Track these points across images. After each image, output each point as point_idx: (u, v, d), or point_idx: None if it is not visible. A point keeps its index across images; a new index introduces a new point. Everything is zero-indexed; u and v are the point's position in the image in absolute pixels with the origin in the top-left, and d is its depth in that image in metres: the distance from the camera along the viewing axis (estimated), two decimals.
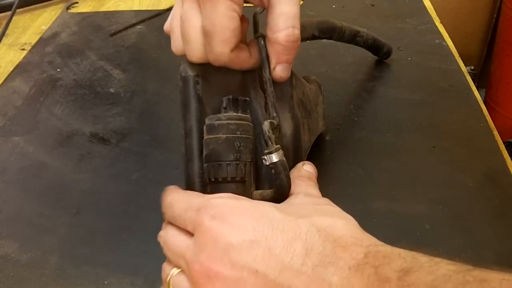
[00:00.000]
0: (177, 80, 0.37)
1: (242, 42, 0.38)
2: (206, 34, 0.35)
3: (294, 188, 0.37)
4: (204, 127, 0.37)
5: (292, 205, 0.35)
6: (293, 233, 0.30)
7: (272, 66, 0.38)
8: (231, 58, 0.36)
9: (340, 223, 0.31)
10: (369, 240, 0.30)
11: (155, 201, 0.47)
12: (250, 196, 0.37)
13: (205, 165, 0.36)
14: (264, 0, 0.37)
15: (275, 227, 0.30)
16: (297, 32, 0.36)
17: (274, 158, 0.35)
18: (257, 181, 0.38)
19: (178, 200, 0.35)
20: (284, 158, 0.35)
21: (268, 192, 0.37)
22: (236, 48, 0.36)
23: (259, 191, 0.37)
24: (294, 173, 0.39)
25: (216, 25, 0.34)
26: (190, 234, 0.33)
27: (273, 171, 0.35)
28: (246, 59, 0.38)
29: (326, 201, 0.36)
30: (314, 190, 0.37)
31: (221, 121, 0.36)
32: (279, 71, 0.38)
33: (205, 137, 0.37)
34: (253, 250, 0.29)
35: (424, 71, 0.64)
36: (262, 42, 0.38)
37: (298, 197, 0.36)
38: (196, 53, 0.36)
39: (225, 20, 0.34)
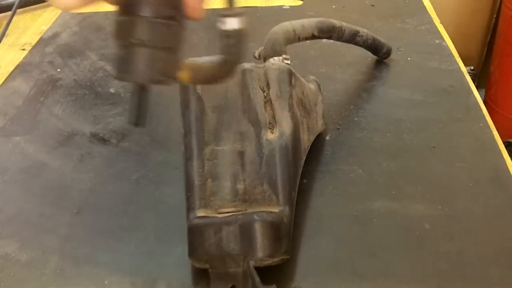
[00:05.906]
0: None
1: None
2: None
3: None
4: None
5: None
6: None
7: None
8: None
9: None
10: None
11: (155, 201, 0.48)
12: (178, 65, 0.29)
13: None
14: None
15: None
16: None
17: (235, 24, 0.27)
18: (255, 180, 0.38)
19: None
20: (245, 29, 0.28)
21: (208, 63, 0.29)
22: None
23: (192, 59, 0.30)
24: None
25: None
26: None
27: (229, 40, 0.27)
28: None
29: None
30: None
31: None
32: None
33: None
34: None
35: (424, 71, 0.64)
36: None
37: None
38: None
39: None
